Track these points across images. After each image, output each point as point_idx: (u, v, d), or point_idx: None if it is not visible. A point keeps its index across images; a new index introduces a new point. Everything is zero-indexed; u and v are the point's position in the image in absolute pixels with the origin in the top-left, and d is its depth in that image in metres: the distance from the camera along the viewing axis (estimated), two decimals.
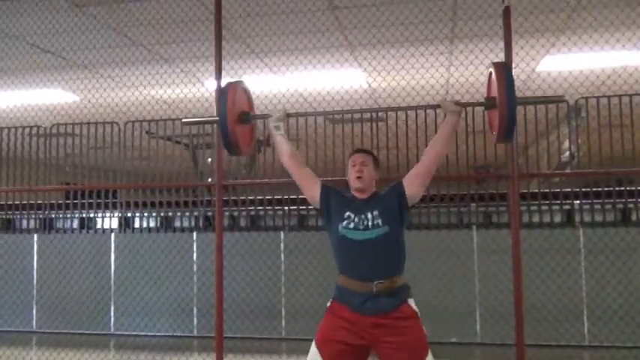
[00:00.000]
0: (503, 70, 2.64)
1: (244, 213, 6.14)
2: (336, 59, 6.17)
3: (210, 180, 6.57)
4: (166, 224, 6.35)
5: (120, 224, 6.44)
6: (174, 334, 5.73)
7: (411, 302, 2.45)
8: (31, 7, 4.97)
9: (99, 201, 6.41)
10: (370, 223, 2.45)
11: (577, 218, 5.41)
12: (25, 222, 6.68)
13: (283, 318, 5.54)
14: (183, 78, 6.44)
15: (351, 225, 2.47)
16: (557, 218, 5.50)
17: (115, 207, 6.45)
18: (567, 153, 6.06)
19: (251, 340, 5.41)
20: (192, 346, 5.53)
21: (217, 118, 2.82)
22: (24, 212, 6.65)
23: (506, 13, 3.86)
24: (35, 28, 5.19)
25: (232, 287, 5.37)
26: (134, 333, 5.82)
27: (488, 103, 2.74)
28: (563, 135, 5.90)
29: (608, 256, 4.92)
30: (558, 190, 5.53)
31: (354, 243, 2.45)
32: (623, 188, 5.32)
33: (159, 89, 5.85)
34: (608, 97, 4.96)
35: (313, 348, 2.42)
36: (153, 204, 6.37)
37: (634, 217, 5.38)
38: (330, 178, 4.29)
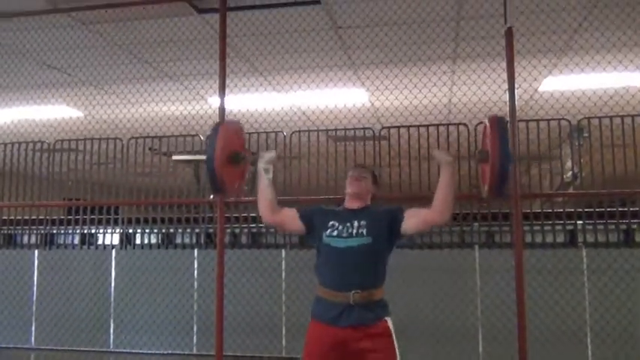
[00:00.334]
0: (498, 125, 2.54)
1: (245, 230, 6.12)
2: (339, 78, 6.21)
3: (212, 197, 6.56)
4: (167, 241, 6.33)
5: (121, 240, 6.43)
6: (174, 351, 5.66)
7: (389, 321, 2.45)
8: (38, 24, 5.02)
9: (100, 217, 6.41)
10: (354, 231, 2.46)
11: (580, 238, 5.38)
12: (26, 237, 6.67)
13: (284, 336, 5.48)
14: (187, 95, 6.48)
15: (335, 232, 2.48)
16: (560, 238, 5.46)
17: (116, 223, 6.45)
18: (570, 173, 6.05)
19: (251, 359, 5.36)
20: None
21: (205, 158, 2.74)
22: (25, 227, 6.64)
23: (509, 33, 3.89)
24: (42, 45, 5.24)
25: (233, 305, 5.33)
26: (133, 350, 5.75)
27: (481, 157, 2.64)
28: (566, 155, 5.90)
29: (612, 277, 4.88)
30: (561, 210, 5.51)
31: (337, 251, 2.46)
32: (626, 209, 5.31)
33: (162, 106, 5.89)
34: (611, 117, 4.98)
35: None
36: (154, 220, 6.36)
37: (637, 238, 5.35)
38: (324, 197, 4.28)
